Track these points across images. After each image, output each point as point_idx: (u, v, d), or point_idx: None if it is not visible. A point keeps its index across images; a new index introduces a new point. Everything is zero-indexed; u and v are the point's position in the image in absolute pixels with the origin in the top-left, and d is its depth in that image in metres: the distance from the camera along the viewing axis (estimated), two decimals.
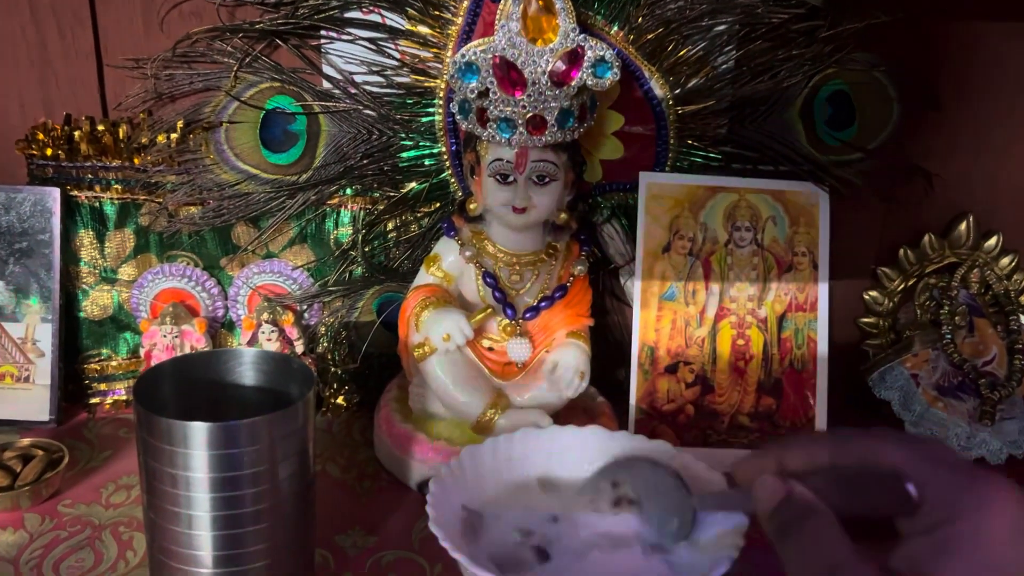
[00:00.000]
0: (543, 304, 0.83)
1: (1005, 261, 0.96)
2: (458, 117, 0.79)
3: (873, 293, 0.99)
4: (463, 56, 0.74)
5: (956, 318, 0.92)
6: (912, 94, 0.90)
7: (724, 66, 0.87)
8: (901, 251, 0.97)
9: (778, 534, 0.50)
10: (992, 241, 0.96)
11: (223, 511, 0.60)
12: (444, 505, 0.64)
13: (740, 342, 0.89)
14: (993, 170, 0.95)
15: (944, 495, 0.46)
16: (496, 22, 0.74)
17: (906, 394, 0.90)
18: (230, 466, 0.59)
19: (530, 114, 0.75)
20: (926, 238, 0.97)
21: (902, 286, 0.98)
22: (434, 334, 0.79)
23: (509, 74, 0.74)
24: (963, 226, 0.96)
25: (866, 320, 0.99)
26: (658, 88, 0.86)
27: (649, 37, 0.85)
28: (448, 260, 0.84)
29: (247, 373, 0.69)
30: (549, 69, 0.74)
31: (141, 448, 0.61)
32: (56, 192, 0.89)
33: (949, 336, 0.91)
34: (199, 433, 0.58)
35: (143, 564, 0.71)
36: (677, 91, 0.86)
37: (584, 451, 0.74)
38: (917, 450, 0.49)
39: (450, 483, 0.67)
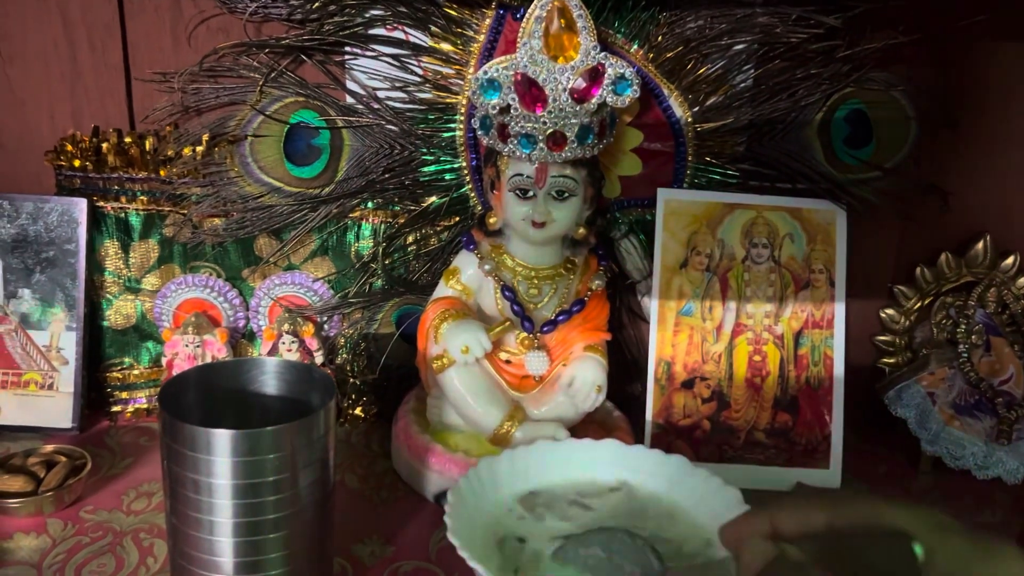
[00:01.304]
0: (561, 318, 0.84)
1: (1022, 281, 0.96)
2: (479, 132, 0.81)
3: (889, 311, 0.99)
4: (485, 73, 0.76)
5: (973, 337, 0.92)
6: (929, 113, 0.90)
7: (743, 84, 0.88)
8: (918, 270, 0.98)
9: None
10: (1009, 261, 0.96)
11: (245, 518, 0.61)
12: (462, 516, 0.65)
13: (757, 358, 0.90)
14: (1010, 190, 0.96)
15: (953, 563, 0.43)
16: (518, 40, 0.75)
17: (922, 412, 0.90)
18: (252, 473, 0.60)
19: (550, 130, 0.76)
20: (943, 257, 0.97)
21: (919, 305, 0.98)
22: (453, 346, 0.80)
23: (530, 91, 0.75)
24: (980, 245, 0.96)
25: (882, 338, 1.00)
26: (677, 106, 0.87)
27: (669, 55, 0.86)
28: (467, 273, 0.85)
29: (269, 382, 0.70)
30: (570, 86, 0.75)
31: (165, 454, 0.62)
32: (83, 203, 0.91)
33: (966, 355, 0.91)
34: (223, 440, 0.59)
35: (164, 570, 0.72)
36: (696, 109, 0.87)
37: (601, 464, 0.74)
38: (921, 515, 0.46)
39: (468, 494, 0.68)
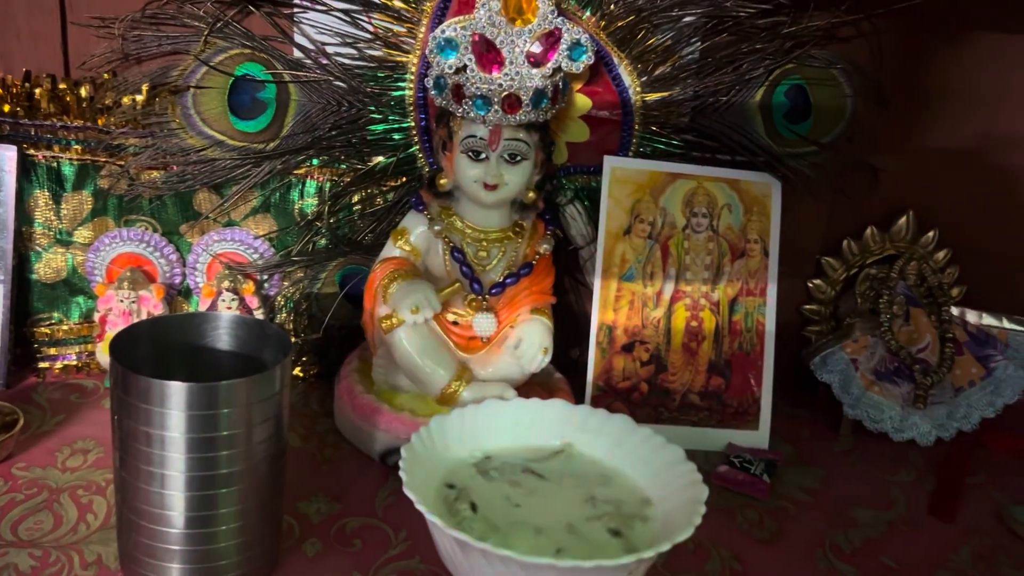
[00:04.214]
0: (509, 280, 0.85)
1: (940, 255, 1.02)
2: (432, 92, 0.80)
3: (817, 281, 1.03)
4: (443, 32, 0.76)
5: (894, 307, 0.97)
6: (865, 92, 0.94)
7: (690, 56, 0.89)
8: (845, 242, 1.02)
9: None
10: (929, 236, 1.01)
11: (197, 472, 0.61)
12: (415, 471, 0.65)
13: (694, 324, 0.93)
14: (933, 169, 1.01)
15: None
16: (477, 0, 0.75)
17: (845, 378, 0.95)
18: (206, 427, 0.60)
19: (506, 92, 0.76)
20: (868, 231, 1.02)
21: (844, 276, 1.03)
22: (402, 306, 0.80)
23: (488, 52, 0.75)
24: (903, 220, 1.01)
25: (809, 307, 1.04)
26: (626, 75, 0.89)
27: (620, 24, 0.87)
28: (416, 233, 0.85)
29: (222, 337, 0.70)
30: (527, 50, 0.76)
31: (116, 406, 0.61)
32: (12, 150, 0.87)
33: (887, 324, 0.96)
34: (177, 393, 0.59)
35: (105, 527, 0.71)
36: (644, 78, 0.89)
37: (548, 423, 0.76)
38: None
39: (420, 451, 0.68)
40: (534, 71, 0.77)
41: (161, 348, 0.67)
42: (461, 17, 0.76)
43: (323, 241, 0.94)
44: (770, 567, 0.75)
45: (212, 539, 0.63)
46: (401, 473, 0.64)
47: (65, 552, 0.68)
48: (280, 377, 0.63)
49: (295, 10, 0.88)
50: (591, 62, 0.78)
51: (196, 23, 0.87)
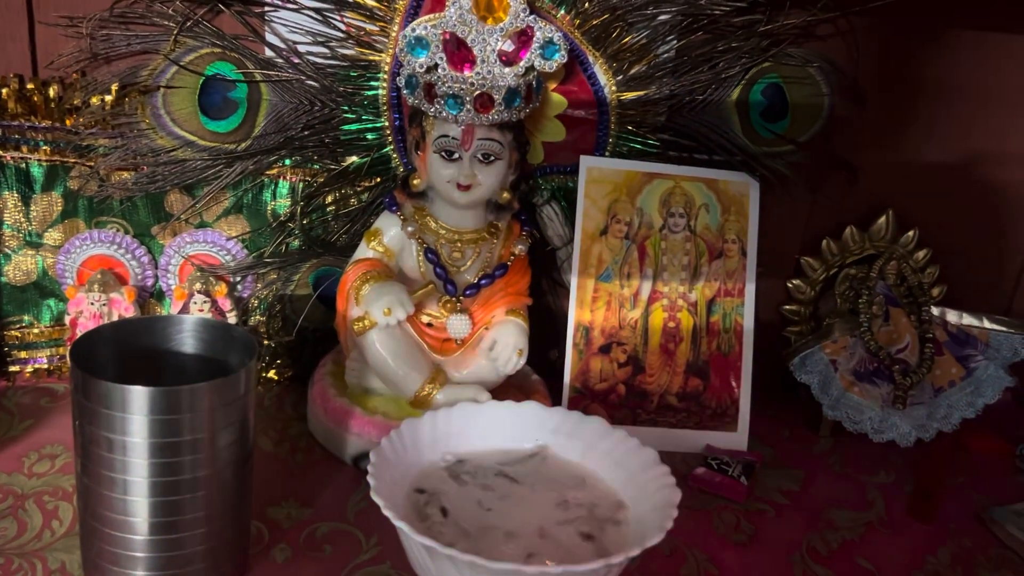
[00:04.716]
0: (484, 281, 0.84)
1: (920, 255, 1.01)
2: (405, 92, 0.80)
3: (796, 282, 1.03)
4: (413, 30, 0.75)
5: (873, 307, 0.96)
6: (842, 90, 0.94)
7: (665, 55, 0.89)
8: (824, 242, 1.01)
9: None
10: (909, 235, 1.01)
11: (160, 477, 0.60)
12: (385, 476, 0.64)
13: (671, 325, 0.92)
14: (912, 168, 1.00)
15: None
16: None
17: (825, 379, 0.94)
18: (169, 432, 0.59)
19: (478, 92, 0.76)
20: (848, 230, 1.01)
21: (823, 276, 1.02)
22: (375, 308, 0.79)
23: (459, 51, 0.75)
24: (883, 220, 1.01)
25: (788, 307, 1.03)
26: (601, 74, 0.88)
27: (595, 23, 0.86)
28: (389, 235, 0.84)
29: (187, 340, 0.69)
30: (498, 48, 0.75)
31: (77, 412, 0.60)
32: None
33: (867, 324, 0.95)
34: (138, 397, 0.58)
35: (70, 534, 0.70)
36: (619, 77, 0.88)
37: (522, 426, 0.75)
38: None
39: (390, 455, 0.68)
40: (506, 70, 0.76)
41: (125, 352, 0.66)
42: (432, 15, 0.75)
43: (296, 242, 0.93)
44: (746, 570, 0.74)
45: (177, 545, 0.61)
46: (369, 478, 0.63)
47: (28, 559, 0.67)
48: (245, 381, 0.62)
49: (266, 9, 0.87)
50: (564, 61, 0.77)
51: (165, 22, 0.86)
